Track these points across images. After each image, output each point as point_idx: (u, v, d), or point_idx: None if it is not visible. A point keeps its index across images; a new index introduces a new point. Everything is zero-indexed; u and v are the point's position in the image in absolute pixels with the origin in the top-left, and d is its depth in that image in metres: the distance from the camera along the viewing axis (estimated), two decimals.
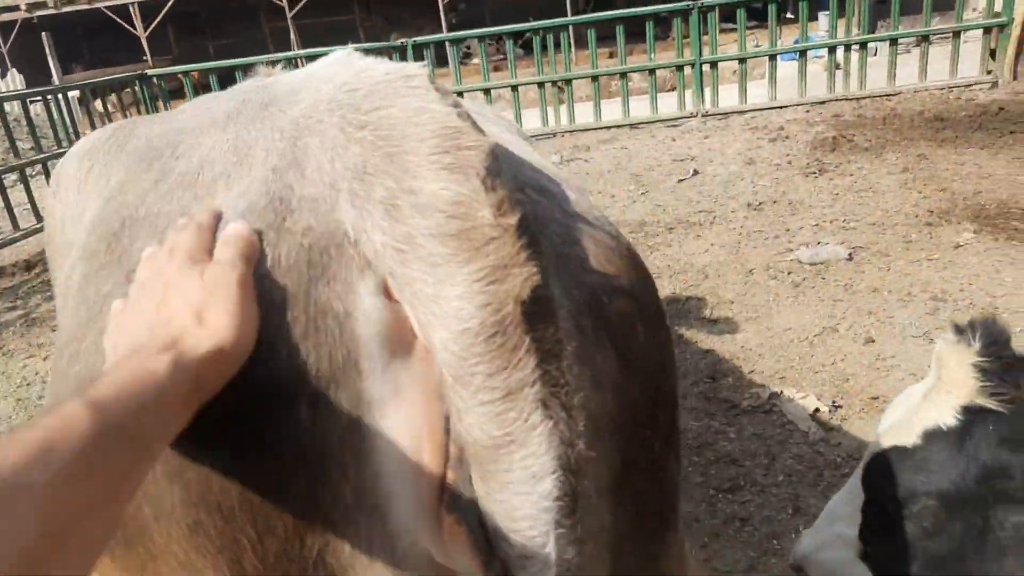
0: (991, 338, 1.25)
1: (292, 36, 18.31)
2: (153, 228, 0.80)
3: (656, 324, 0.92)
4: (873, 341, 3.49)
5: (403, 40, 9.34)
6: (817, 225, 5.04)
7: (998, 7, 8.37)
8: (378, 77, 0.77)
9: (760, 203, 5.65)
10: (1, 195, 7.20)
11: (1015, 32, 8.17)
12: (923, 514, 1.25)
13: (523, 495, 0.65)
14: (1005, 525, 1.19)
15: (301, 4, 18.20)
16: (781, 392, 3.19)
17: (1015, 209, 4.76)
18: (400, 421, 0.69)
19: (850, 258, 4.40)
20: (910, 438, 1.30)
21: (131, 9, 18.80)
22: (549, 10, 13.82)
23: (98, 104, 10.49)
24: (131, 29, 18.97)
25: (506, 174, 0.69)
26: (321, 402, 0.68)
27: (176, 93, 10.43)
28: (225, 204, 0.77)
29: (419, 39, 9.35)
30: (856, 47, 8.70)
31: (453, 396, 0.66)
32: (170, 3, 18.64)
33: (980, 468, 1.22)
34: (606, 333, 0.81)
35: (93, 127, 8.53)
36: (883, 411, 1.53)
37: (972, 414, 1.24)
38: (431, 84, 0.75)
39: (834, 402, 3.09)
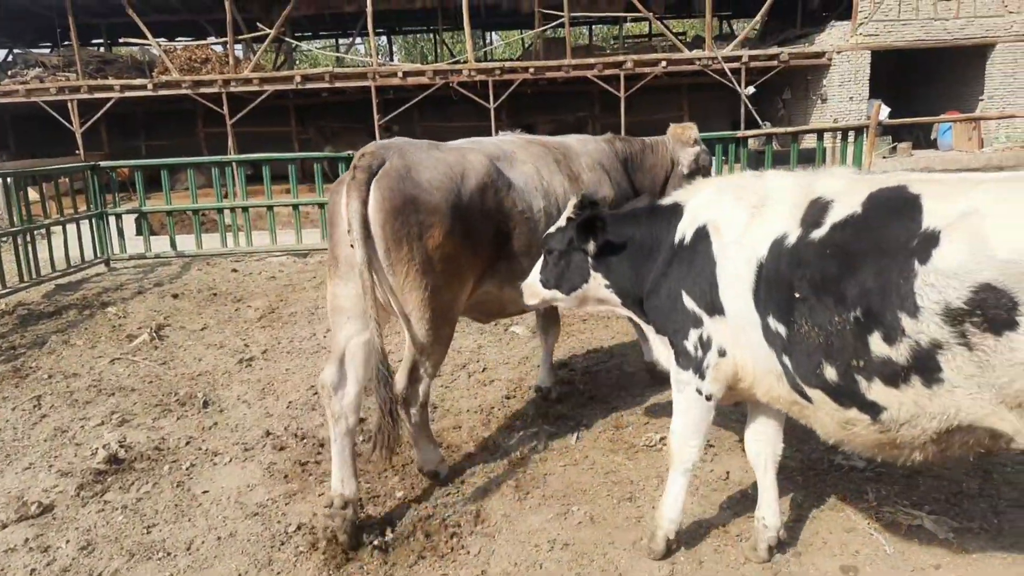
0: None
1: (230, 142, 19.16)
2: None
3: None
4: None
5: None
6: None
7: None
8: None
9: None
10: None
11: None
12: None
13: None
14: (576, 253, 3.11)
15: (241, 114, 19.20)
16: None
17: None
18: None
19: None
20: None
21: (70, 105, 19.27)
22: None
23: (32, 191, 10.80)
24: (67, 124, 19.35)
25: None
26: None
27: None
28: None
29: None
30: None
31: None
32: (110, 103, 19.27)
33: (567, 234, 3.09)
34: None
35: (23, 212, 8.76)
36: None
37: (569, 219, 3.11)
38: None
39: None
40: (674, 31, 26.73)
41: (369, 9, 19.36)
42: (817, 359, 2.28)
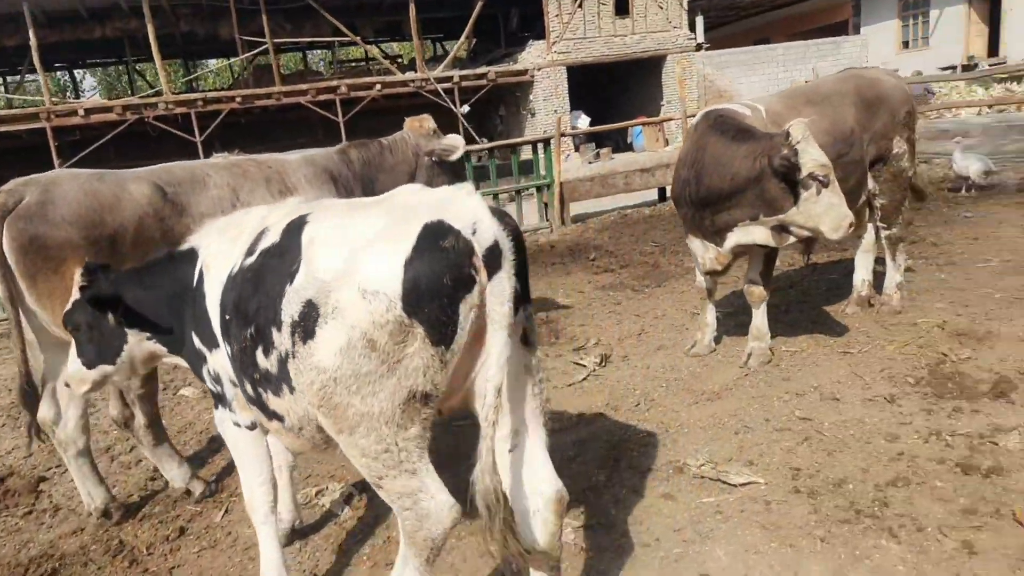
0: None
1: None
2: None
3: None
4: None
5: None
6: None
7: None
8: None
9: None
10: None
11: (556, 191, 10.65)
12: None
13: None
14: None
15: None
16: None
17: (549, 321, 6.20)
18: None
19: None
20: None
21: None
22: None
23: None
24: None
25: None
26: None
27: None
28: None
29: None
30: None
31: None
32: None
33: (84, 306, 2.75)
34: None
35: None
36: None
37: None
38: None
39: None
40: (391, 54, 27.03)
41: (33, 42, 16.96)
42: (244, 377, 2.35)
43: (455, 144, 4.83)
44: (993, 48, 24.04)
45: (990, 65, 21.20)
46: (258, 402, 2.33)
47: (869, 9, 27.29)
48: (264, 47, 18.89)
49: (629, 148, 22.94)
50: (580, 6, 21.04)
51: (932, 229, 7.61)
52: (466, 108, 20.03)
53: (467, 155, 11.52)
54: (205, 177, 3.91)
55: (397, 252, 1.92)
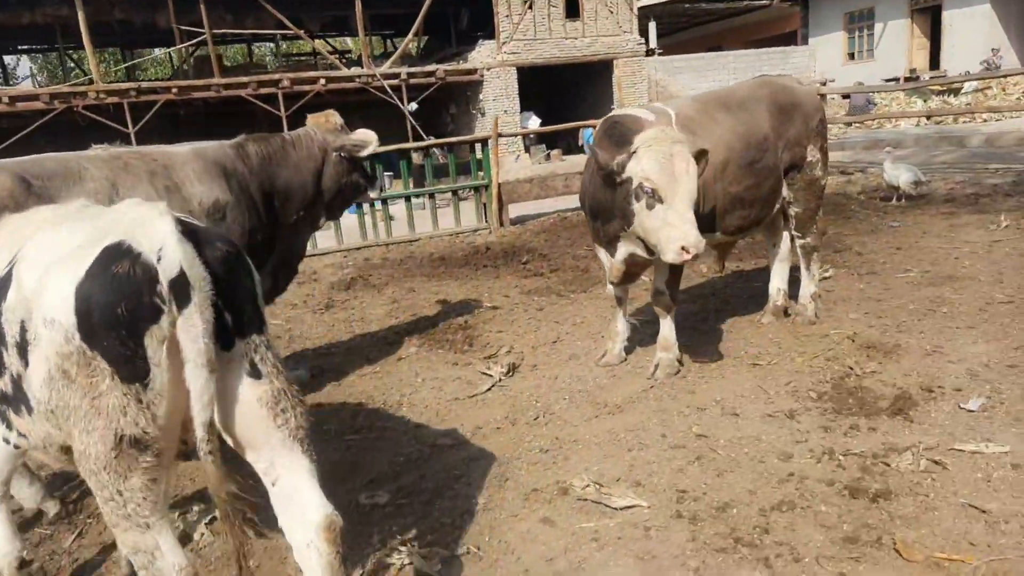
0: None
1: None
2: None
3: None
4: None
5: None
6: (310, 352, 5.65)
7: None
8: None
9: None
10: None
11: (493, 192, 10.44)
12: None
13: None
14: None
15: None
16: None
17: (454, 326, 5.97)
18: None
19: (312, 376, 5.03)
20: None
21: None
22: None
23: None
24: None
25: None
26: None
27: None
28: None
29: None
30: (403, 200, 10.25)
31: None
32: None
33: None
34: None
35: None
36: None
37: None
38: None
39: None
40: (342, 50, 26.52)
41: None
42: None
43: (366, 140, 4.60)
44: (935, 62, 24.66)
45: (930, 78, 21.72)
46: (3, 418, 2.16)
47: (816, 21, 27.75)
48: (202, 38, 18.25)
49: (581, 151, 22.90)
50: (531, 7, 20.90)
51: (859, 238, 7.62)
52: (414, 106, 19.69)
53: (408, 153, 11.46)
54: (81, 170, 3.69)
55: (69, 276, 1.71)
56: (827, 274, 6.27)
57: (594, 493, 3.12)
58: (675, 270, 4.31)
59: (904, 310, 5.14)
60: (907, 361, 4.25)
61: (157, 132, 21.25)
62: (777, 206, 4.76)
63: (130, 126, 17.11)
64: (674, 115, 4.31)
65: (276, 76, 18.85)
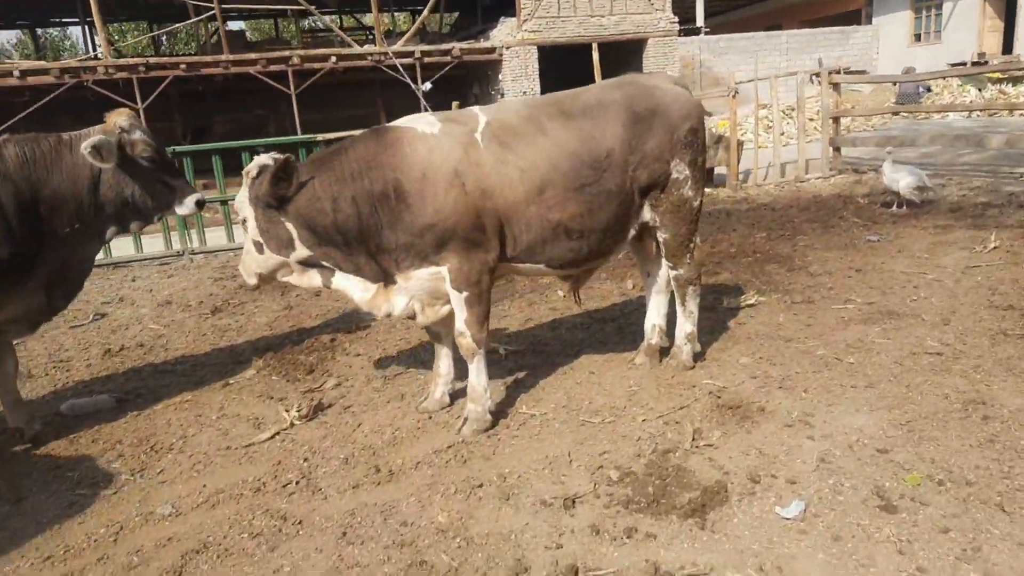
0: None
1: None
2: None
3: None
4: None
5: None
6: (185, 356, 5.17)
7: None
8: None
9: (122, 347, 5.69)
10: None
11: None
12: None
13: None
14: None
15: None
16: None
17: (319, 343, 5.38)
18: None
19: (119, 402, 4.53)
20: None
21: None
22: None
23: None
24: None
25: None
26: None
27: None
28: None
29: None
30: None
31: None
32: None
33: None
34: None
35: None
36: None
37: None
38: None
39: None
40: (366, 25, 26.03)
41: None
42: None
43: (146, 140, 4.03)
44: (1008, 46, 22.49)
45: (999, 63, 19.67)
46: None
47: None
48: (211, 12, 18.03)
49: None
50: None
51: (824, 254, 6.67)
52: (427, 86, 19.04)
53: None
54: None
55: None
56: (751, 302, 5.41)
57: None
58: (471, 306, 3.58)
59: (807, 357, 4.28)
60: (759, 433, 3.44)
61: (178, 109, 21.35)
62: (633, 232, 3.96)
63: (139, 102, 17.06)
64: (483, 123, 3.56)
65: (286, 53, 18.50)
